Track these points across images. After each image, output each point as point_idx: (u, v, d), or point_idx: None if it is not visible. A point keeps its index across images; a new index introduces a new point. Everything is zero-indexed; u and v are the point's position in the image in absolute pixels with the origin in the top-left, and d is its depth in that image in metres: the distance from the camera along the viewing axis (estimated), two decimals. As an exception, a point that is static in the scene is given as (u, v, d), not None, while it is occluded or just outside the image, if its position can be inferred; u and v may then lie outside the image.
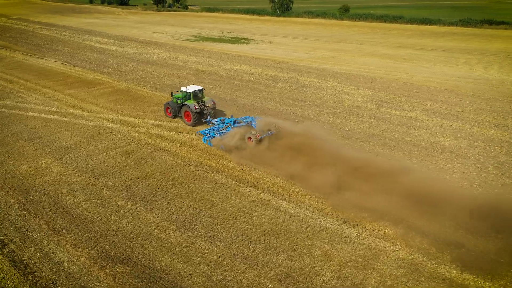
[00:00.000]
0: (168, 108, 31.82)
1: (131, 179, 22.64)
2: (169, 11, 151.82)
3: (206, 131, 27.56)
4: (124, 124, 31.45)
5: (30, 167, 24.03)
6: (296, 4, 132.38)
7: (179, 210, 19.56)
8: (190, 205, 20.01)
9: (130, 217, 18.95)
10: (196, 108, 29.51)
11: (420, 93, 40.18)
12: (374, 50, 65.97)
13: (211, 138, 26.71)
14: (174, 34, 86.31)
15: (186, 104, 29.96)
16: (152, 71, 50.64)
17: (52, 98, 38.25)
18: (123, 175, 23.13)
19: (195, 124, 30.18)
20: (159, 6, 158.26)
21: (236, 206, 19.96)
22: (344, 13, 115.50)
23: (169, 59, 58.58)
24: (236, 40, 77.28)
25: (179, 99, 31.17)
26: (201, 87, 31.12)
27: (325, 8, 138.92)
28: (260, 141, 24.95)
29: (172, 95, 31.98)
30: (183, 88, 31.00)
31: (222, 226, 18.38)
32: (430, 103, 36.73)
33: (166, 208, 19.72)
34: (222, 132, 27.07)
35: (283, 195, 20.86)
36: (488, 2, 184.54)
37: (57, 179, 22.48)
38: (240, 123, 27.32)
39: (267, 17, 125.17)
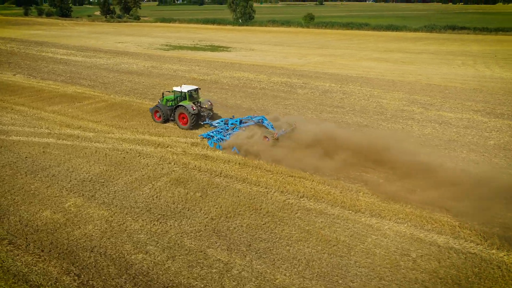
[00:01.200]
0: (156, 112, 28.33)
1: (211, 218, 16.42)
2: (119, 21, 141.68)
3: (212, 134, 24.82)
4: (149, 144, 24.75)
5: (55, 212, 16.80)
6: (256, 14, 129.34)
7: (312, 259, 13.87)
8: (320, 249, 14.39)
9: (253, 280, 12.91)
10: (193, 109, 26.12)
11: (453, 93, 37.68)
12: (365, 55, 63.98)
13: (221, 141, 23.83)
14: (141, 43, 78.54)
15: (181, 106, 26.49)
16: (142, 81, 43.62)
17: (34, 117, 30.20)
18: (197, 214, 16.83)
19: (192, 128, 26.74)
20: (108, 17, 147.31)
21: (383, 246, 14.69)
22: (309, 21, 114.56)
23: (153, 68, 51.66)
24: (214, 48, 71.67)
25: (171, 101, 27.96)
26: (196, 87, 27.93)
27: (286, 17, 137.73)
28: (277, 139, 22.76)
29: (163, 96, 28.57)
30: (176, 88, 27.54)
31: (389, 277, 13.03)
32: (473, 103, 34.16)
33: (293, 258, 13.91)
34: (229, 134, 24.50)
35: (431, 228, 15.95)
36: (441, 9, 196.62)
37: (106, 229, 15.62)
38: (245, 122, 24.92)
39: (229, 27, 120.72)
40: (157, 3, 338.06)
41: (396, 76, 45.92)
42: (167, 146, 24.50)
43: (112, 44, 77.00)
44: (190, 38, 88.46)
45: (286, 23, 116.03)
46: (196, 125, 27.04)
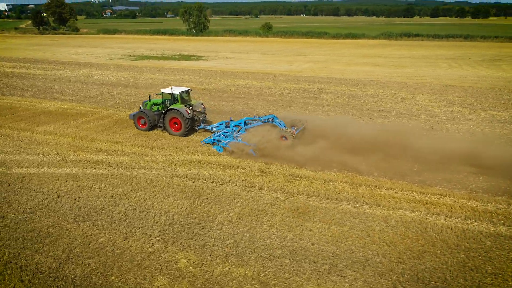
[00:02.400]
0: (141, 118, 24.88)
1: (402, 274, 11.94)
2: (56, 33, 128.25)
3: (217, 138, 22.10)
4: (212, 166, 19.41)
5: (172, 279, 11.11)
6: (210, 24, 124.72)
7: None
8: None
9: None
10: (188, 113, 23.30)
11: (477, 93, 36.74)
12: (349, 60, 62.75)
13: (232, 143, 21.12)
14: (99, 54, 70.11)
15: (173, 110, 23.47)
16: (133, 93, 37.22)
17: (28, 141, 23.12)
18: (385, 264, 12.24)
19: (186, 134, 23.85)
20: (41, 28, 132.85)
21: None
22: (267, 30, 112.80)
23: (136, 79, 45.08)
24: (186, 58, 65.94)
25: (158, 105, 25.06)
26: (188, 88, 25.13)
27: (240, 28, 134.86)
28: (294, 138, 20.97)
29: (149, 99, 25.44)
30: (165, 90, 24.41)
31: None
32: (507, 102, 33.31)
33: None
34: (236, 136, 22.10)
35: None
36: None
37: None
38: (249, 124, 22.90)
39: (183, 37, 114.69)
40: (84, 16, 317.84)
41: (403, 79, 44.51)
42: (237, 167, 19.36)
43: (65, 56, 67.68)
44: (151, 48, 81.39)
45: (244, 32, 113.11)
46: (190, 130, 24.00)
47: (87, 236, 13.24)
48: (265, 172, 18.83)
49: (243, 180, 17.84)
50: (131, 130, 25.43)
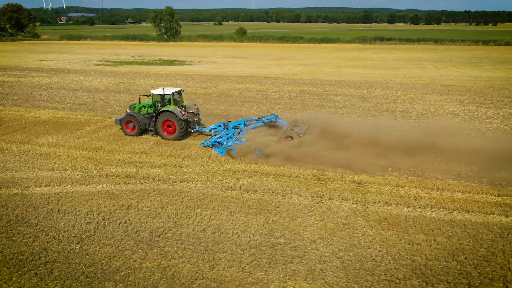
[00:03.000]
0: (129, 122, 23.13)
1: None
2: (14, 40, 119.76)
3: (218, 140, 20.81)
4: (264, 176, 17.37)
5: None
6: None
7: None
8: None
9: None
10: (183, 115, 21.96)
11: (484, 92, 36.98)
12: (338, 63, 62.37)
13: (235, 145, 19.77)
14: (73, 61, 65.45)
15: (166, 112, 21.96)
16: (130, 99, 34.17)
17: (33, 155, 20.04)
18: None
19: (180, 138, 22.38)
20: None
21: None
22: (242, 35, 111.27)
23: (125, 84, 42.01)
24: (169, 62, 62.93)
25: (148, 107, 23.51)
26: (180, 88, 23.68)
27: (209, 32, 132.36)
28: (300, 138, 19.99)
29: (139, 102, 23.49)
30: (155, 91, 22.74)
31: None
32: (515, 100, 33.71)
33: None
34: (239, 137, 20.86)
35: None
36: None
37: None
38: (249, 124, 21.85)
39: (154, 42, 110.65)
40: (38, 23, 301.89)
41: (401, 80, 44.42)
42: (289, 175, 17.42)
43: (35, 62, 62.53)
44: (125, 54, 77.35)
45: (218, 37, 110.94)
46: (185, 133, 22.63)
47: (164, 268, 10.81)
48: (323, 180, 17.06)
49: (305, 190, 15.94)
50: (149, 138, 22.80)
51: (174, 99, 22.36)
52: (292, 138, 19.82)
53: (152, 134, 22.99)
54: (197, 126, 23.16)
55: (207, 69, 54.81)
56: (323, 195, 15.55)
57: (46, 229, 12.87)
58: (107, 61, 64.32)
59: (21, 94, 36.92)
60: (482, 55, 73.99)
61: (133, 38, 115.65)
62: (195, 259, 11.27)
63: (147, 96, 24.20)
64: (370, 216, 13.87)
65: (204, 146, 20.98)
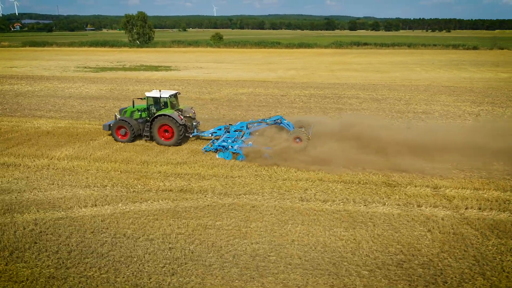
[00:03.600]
0: (120, 127, 21.54)
1: None
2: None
3: (222, 144, 19.66)
4: (331, 183, 15.89)
5: None
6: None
7: None
8: None
9: None
10: (181, 119, 20.85)
11: (487, 93, 37.50)
12: (328, 67, 62.02)
13: (240, 149, 18.93)
14: (47, 67, 60.83)
15: (163, 116, 20.67)
16: (134, 107, 31.64)
17: (54, 171, 17.56)
18: None
19: (178, 143, 21.04)
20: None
21: None
22: (218, 41, 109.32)
23: (119, 91, 39.19)
24: (153, 68, 59.94)
25: (142, 111, 22.12)
26: (176, 91, 22.24)
27: (182, 38, 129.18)
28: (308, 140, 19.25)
29: (133, 105, 22.01)
30: (150, 94, 21.40)
31: None
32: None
33: None
34: (241, 141, 19.96)
35: None
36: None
37: None
38: (250, 127, 20.97)
39: (127, 48, 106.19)
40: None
41: (401, 82, 44.42)
42: (357, 182, 15.98)
43: (5, 69, 57.44)
44: (103, 60, 73.19)
45: (194, 43, 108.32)
46: (183, 139, 21.36)
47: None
48: (394, 186, 15.82)
49: (386, 198, 14.61)
50: (180, 147, 20.65)
51: (171, 103, 21.20)
52: (300, 139, 19.01)
53: (146, 140, 21.56)
54: (195, 130, 21.91)
55: (198, 74, 52.58)
56: (408, 202, 14.27)
57: (122, 259, 10.67)
58: (86, 68, 60.36)
59: (6, 103, 33.25)
60: (457, 58, 76.55)
61: (103, 44, 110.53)
62: (322, 286, 9.55)
63: (141, 99, 22.48)
64: (475, 223, 12.71)
65: (206, 151, 19.87)
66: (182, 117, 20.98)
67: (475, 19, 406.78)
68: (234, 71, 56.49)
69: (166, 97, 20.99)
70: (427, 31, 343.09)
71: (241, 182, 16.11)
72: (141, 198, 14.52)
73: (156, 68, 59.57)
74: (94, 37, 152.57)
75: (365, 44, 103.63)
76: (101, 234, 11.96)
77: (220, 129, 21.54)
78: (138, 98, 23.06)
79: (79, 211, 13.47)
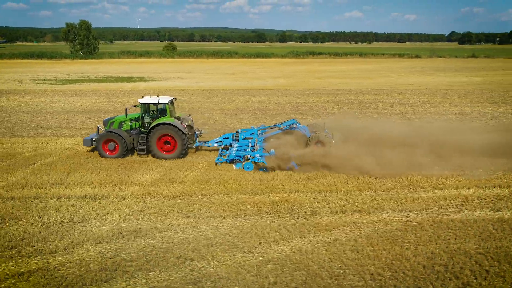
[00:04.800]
0: (109, 141, 18.45)
1: None
2: None
3: (239, 154, 17.45)
4: (467, 200, 14.51)
5: None
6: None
7: None
8: None
9: None
10: (185, 128, 18.72)
11: (475, 94, 39.54)
12: (310, 74, 61.78)
13: (263, 157, 16.73)
14: (5, 80, 52.24)
15: (165, 124, 18.22)
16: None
17: (152, 204, 13.86)
18: None
19: (183, 156, 18.68)
20: None
21: None
22: (172, 51, 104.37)
23: (118, 103, 34.76)
24: (126, 79, 54.48)
25: (136, 120, 19.43)
26: (173, 97, 19.98)
27: (127, 49, 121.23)
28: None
29: (126, 113, 19.07)
30: (145, 101, 18.88)
31: None
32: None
33: None
34: (261, 148, 17.89)
35: None
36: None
37: None
38: (263, 134, 19.61)
39: (68, 60, 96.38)
40: None
41: (400, 87, 45.44)
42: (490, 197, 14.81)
43: None
44: (57, 72, 64.71)
45: (146, 53, 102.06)
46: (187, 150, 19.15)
47: None
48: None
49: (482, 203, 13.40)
50: (223, 167, 17.04)
51: (170, 110, 18.82)
52: (322, 143, 17.80)
53: (140, 155, 18.66)
54: (197, 140, 19.85)
55: (188, 84, 48.78)
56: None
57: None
58: (45, 80, 52.87)
59: (-6, 121, 27.15)
60: (413, 65, 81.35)
61: (40, 55, 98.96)
62: None
63: (135, 106, 19.99)
64: None
65: (220, 163, 17.71)
66: (185, 126, 18.72)
67: (388, 33, 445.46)
68: (220, 80, 53.69)
69: (165, 103, 18.52)
70: (350, 43, 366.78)
71: (361, 197, 13.96)
72: (242, 218, 11.72)
73: (129, 79, 54.27)
74: (22, 49, 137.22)
75: (320, 53, 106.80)
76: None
77: (227, 138, 19.77)
78: (131, 106, 20.22)
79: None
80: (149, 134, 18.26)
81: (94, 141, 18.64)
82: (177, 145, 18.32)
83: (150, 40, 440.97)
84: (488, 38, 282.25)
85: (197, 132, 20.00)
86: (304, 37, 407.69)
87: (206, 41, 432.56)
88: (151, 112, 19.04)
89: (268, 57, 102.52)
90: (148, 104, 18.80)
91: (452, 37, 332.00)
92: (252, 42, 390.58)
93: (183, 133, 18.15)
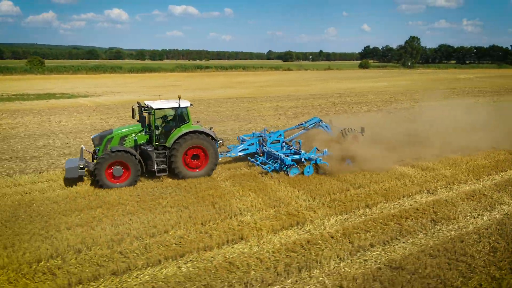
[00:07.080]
0: (113, 164, 13.56)
1: None
2: None
3: (292, 159, 15.80)
4: None
5: None
6: None
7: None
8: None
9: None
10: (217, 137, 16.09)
11: (417, 93, 49.22)
12: (245, 86, 62.45)
13: (314, 159, 15.68)
14: None
15: (194, 133, 14.58)
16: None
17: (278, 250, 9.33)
18: None
19: (210, 173, 15.17)
20: None
21: None
22: (41, 66, 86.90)
23: (119, 118, 28.82)
24: (63, 96, 44.61)
25: (139, 132, 14.81)
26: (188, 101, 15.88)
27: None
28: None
29: (145, 122, 15.06)
30: (160, 105, 14.73)
31: None
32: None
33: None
34: (315, 148, 16.74)
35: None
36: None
37: None
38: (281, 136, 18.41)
39: None
40: None
41: (366, 89, 52.03)
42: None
43: None
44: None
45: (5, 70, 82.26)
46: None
47: None
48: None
49: None
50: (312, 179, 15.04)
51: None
52: (355, 138, 17.63)
53: (153, 178, 14.61)
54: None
55: (150, 97, 43.40)
56: None
57: None
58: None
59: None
60: (307, 77, 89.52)
61: None
62: None
63: (148, 112, 14.99)
64: None
65: (271, 171, 15.35)
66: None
67: (218, 51, 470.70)
68: (192, 91, 49.49)
69: (187, 107, 14.85)
70: (194, 60, 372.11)
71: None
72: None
73: (71, 96, 44.60)
74: None
75: (207, 67, 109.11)
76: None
77: (252, 144, 17.21)
78: (143, 110, 14.89)
79: None
80: (172, 148, 14.24)
81: (82, 168, 13.61)
82: (209, 159, 14.74)
83: (25, 58, 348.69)
84: (299, 55, 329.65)
85: (218, 141, 15.78)
86: (142, 54, 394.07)
87: (18, 59, 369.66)
88: (167, 120, 15.14)
89: (157, 72, 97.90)
90: (167, 108, 14.71)
91: (271, 55, 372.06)
92: (83, 59, 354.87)
93: (215, 145, 14.84)
